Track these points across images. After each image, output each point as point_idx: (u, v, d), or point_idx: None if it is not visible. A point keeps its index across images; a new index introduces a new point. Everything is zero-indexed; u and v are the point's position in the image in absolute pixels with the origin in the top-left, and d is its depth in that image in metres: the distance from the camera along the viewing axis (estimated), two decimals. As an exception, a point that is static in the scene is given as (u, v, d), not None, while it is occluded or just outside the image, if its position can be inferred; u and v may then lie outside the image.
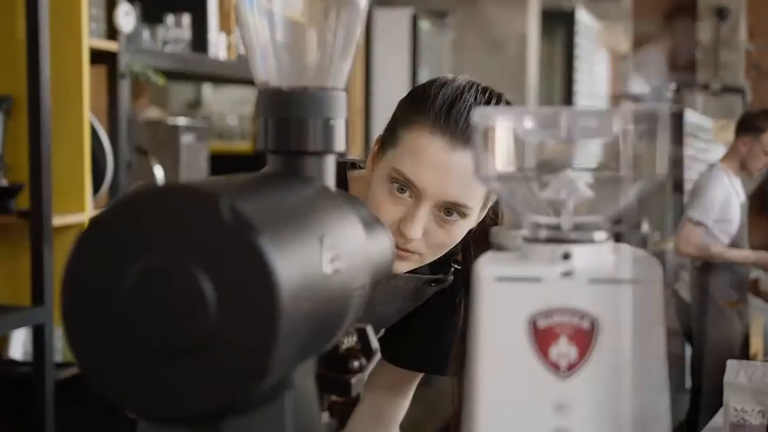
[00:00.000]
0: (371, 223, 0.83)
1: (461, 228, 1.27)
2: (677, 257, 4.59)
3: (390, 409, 1.54)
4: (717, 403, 4.87)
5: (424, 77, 5.78)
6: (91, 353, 0.61)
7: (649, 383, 0.65)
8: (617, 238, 0.70)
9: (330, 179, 0.77)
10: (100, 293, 0.61)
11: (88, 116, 2.51)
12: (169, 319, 0.59)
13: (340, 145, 0.77)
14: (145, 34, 2.97)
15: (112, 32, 2.68)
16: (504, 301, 0.66)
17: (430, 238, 1.26)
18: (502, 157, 0.69)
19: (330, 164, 0.77)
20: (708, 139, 7.49)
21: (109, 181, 2.63)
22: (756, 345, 5.85)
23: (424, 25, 5.23)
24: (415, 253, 1.28)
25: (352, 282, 0.71)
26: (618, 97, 6.90)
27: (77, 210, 2.51)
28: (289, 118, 0.76)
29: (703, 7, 9.44)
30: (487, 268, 0.67)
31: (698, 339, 4.36)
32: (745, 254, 4.40)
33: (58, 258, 2.42)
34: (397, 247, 1.25)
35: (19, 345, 2.66)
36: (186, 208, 0.60)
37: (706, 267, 4.37)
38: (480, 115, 0.68)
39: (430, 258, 1.30)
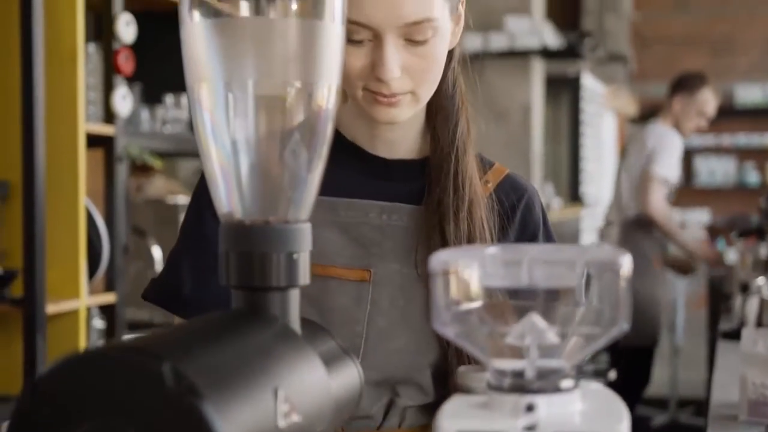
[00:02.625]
0: (337, 356, 0.80)
1: (437, 47, 1.17)
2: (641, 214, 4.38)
3: None
4: (628, 362, 4.81)
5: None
6: None
7: None
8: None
9: (293, 314, 0.75)
10: (40, 458, 0.58)
11: (83, 201, 2.50)
12: (109, 488, 0.57)
13: (305, 278, 0.75)
14: (144, 114, 2.97)
15: (109, 115, 2.68)
16: (465, 456, 0.63)
17: (412, 71, 1.15)
18: (462, 301, 0.67)
19: (294, 299, 0.75)
20: (600, 103, 7.53)
21: (105, 266, 2.61)
22: None
23: (427, 96, 5.24)
24: (405, 94, 1.17)
25: (311, 430, 0.68)
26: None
27: (72, 296, 2.49)
28: (251, 252, 0.74)
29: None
30: (448, 420, 0.64)
31: None
32: (691, 243, 4.38)
33: (52, 347, 2.40)
34: (385, 96, 1.16)
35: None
36: (128, 372, 0.57)
37: (641, 222, 4.26)
38: (438, 260, 0.66)
39: (427, 93, 1.19)
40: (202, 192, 1.28)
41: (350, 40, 1.13)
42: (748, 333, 1.95)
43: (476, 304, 0.67)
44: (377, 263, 1.21)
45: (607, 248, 0.70)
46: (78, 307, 2.51)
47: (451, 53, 1.26)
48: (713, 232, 5.98)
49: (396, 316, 1.20)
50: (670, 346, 5.51)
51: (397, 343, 1.20)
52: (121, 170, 2.69)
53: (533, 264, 0.65)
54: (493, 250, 0.68)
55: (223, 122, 0.75)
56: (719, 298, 4.31)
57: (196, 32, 0.74)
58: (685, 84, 4.36)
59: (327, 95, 0.77)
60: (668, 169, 4.18)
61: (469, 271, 0.66)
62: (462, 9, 1.24)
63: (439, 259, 0.66)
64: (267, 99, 0.75)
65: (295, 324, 0.75)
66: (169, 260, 1.29)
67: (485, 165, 1.31)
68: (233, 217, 0.75)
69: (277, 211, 0.75)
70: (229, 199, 0.76)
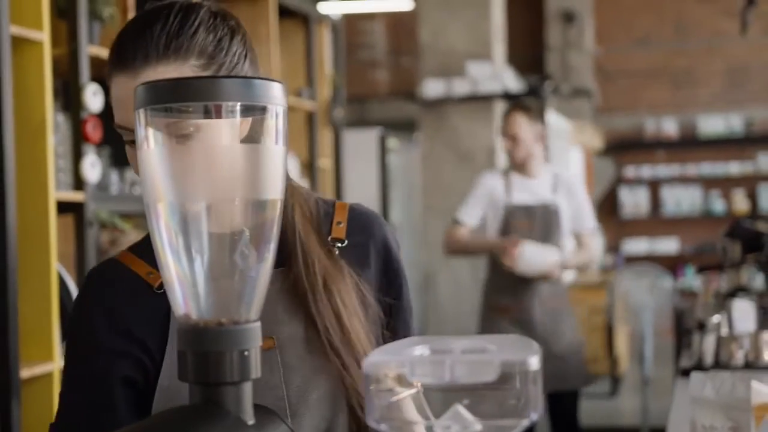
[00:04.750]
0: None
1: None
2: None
3: None
4: (552, 404, 4.66)
5: (394, 194, 5.90)
6: None
7: None
8: None
9: (247, 405, 0.84)
10: None
11: (55, 267, 2.57)
12: None
13: (256, 372, 0.84)
14: (114, 176, 3.05)
15: (79, 182, 2.76)
16: None
17: None
18: (392, 398, 0.75)
19: (247, 391, 0.84)
20: (566, 138, 7.63)
21: (78, 329, 2.67)
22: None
23: (393, 143, 5.36)
24: None
25: None
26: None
27: (45, 360, 2.55)
28: (206, 352, 0.82)
29: (551, 11, 9.72)
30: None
31: None
32: (481, 241, 4.17)
33: (27, 411, 2.45)
34: None
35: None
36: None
37: (487, 274, 4.23)
38: (370, 363, 0.74)
39: None
40: (89, 315, 1.29)
41: (126, 142, 1.22)
42: (696, 377, 2.01)
43: (405, 398, 0.76)
44: (276, 329, 1.29)
45: (521, 343, 0.79)
46: (52, 370, 2.57)
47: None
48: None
49: (307, 371, 1.29)
50: (639, 375, 5.61)
51: (315, 393, 1.28)
52: (92, 235, 2.77)
53: (455, 363, 0.74)
54: (419, 350, 0.77)
55: (178, 236, 0.83)
56: (682, 331, 4.40)
57: (151, 158, 0.83)
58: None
59: (272, 206, 0.86)
60: (462, 212, 4.14)
61: (398, 371, 0.75)
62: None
63: (370, 362, 0.75)
64: (218, 214, 0.84)
65: (248, 414, 0.84)
66: (63, 410, 1.28)
67: (329, 207, 1.38)
68: (189, 319, 0.84)
69: (228, 312, 0.84)
70: (185, 302, 0.84)
